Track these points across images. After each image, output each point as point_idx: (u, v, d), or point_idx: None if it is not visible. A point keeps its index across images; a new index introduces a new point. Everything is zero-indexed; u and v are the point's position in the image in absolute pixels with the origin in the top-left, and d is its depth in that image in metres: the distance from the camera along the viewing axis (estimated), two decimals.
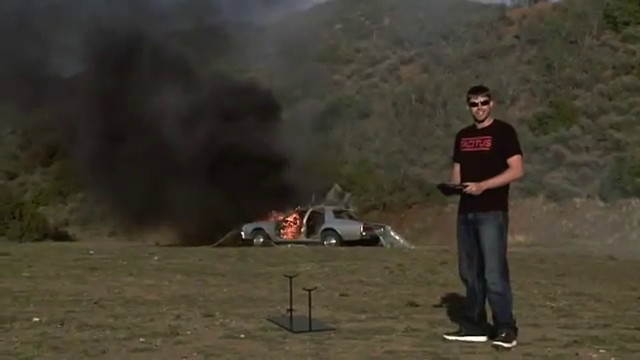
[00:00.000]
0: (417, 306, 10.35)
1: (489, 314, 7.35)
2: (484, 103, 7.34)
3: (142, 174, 33.83)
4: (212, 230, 33.38)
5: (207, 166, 34.65)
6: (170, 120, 35.03)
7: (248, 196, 33.18)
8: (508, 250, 7.31)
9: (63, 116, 39.85)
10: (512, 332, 7.10)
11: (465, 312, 7.61)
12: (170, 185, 33.70)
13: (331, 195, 36.48)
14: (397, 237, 31.59)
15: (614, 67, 44.23)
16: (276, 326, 8.20)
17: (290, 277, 8.68)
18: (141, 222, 37.78)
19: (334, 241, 29.68)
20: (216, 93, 36.46)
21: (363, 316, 9.20)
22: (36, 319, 8.73)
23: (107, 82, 36.09)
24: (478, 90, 7.51)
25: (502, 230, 7.20)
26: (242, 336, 7.61)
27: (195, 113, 35.07)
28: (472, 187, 7.12)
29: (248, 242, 31.19)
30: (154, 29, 38.26)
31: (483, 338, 7.27)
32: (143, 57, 36.38)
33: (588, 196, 37.78)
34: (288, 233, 31.88)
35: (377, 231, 30.99)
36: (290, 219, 32.22)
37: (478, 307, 7.38)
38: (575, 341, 7.26)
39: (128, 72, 35.73)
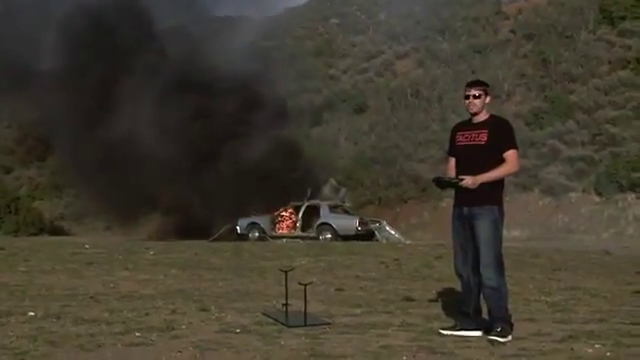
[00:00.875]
0: (412, 301, 10.37)
1: (484, 309, 7.36)
2: (476, 97, 7.35)
3: (125, 167, 33.88)
4: (201, 224, 33.40)
5: (192, 159, 34.60)
6: (149, 112, 34.89)
7: (235, 190, 33.20)
8: (503, 245, 7.32)
9: (44, 109, 39.74)
10: (507, 327, 7.11)
11: (460, 307, 7.62)
12: (155, 178, 33.67)
13: (327, 190, 36.45)
14: (393, 232, 31.60)
15: (610, 62, 44.19)
16: (271, 320, 8.22)
17: (285, 272, 8.69)
18: (129, 217, 37.75)
19: (330, 236, 29.72)
20: (202, 85, 36.18)
21: (358, 310, 9.22)
22: (32, 313, 8.75)
23: (86, 71, 35.84)
24: (473, 84, 7.54)
25: (497, 225, 7.21)
26: (238, 330, 7.63)
27: (179, 105, 34.89)
28: (468, 180, 7.12)
29: (243, 236, 31.19)
30: (138, 22, 38.02)
31: (478, 333, 7.28)
32: (125, 44, 36.32)
33: (584, 191, 37.77)
34: (283, 228, 31.88)
35: (373, 226, 31.01)
36: (285, 214, 32.21)
37: (473, 302, 7.39)
38: (570, 336, 7.28)
39: (110, 59, 35.63)
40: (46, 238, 36.17)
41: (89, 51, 36.12)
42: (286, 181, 33.58)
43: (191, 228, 33.17)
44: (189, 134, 34.51)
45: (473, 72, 44.68)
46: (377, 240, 29.61)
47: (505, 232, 7.56)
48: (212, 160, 34.60)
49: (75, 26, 36.56)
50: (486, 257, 7.12)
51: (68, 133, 37.58)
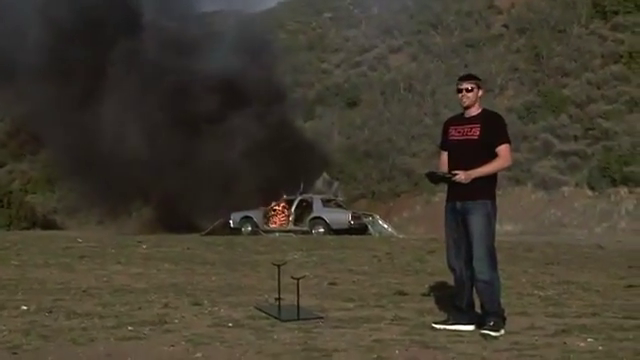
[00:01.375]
0: (405, 295, 10.35)
1: (477, 303, 7.36)
2: (468, 90, 7.35)
3: (114, 160, 33.88)
4: (189, 218, 33.44)
5: (180, 153, 34.56)
6: (136, 104, 34.82)
7: (225, 183, 33.24)
8: (496, 239, 7.32)
9: (33, 102, 39.64)
10: (500, 321, 7.11)
11: (453, 301, 7.63)
12: (144, 172, 33.65)
13: (319, 184, 36.44)
14: (385, 226, 31.61)
15: (603, 56, 44.25)
16: (264, 315, 8.21)
17: (278, 266, 8.68)
18: (121, 211, 37.74)
19: (322, 230, 29.71)
20: (192, 78, 36.02)
21: (351, 305, 9.20)
22: (24, 307, 8.73)
23: (72, 64, 35.69)
24: (465, 78, 7.54)
25: (490, 219, 7.21)
26: (230, 324, 7.62)
27: (166, 98, 34.78)
28: (461, 175, 7.12)
29: (236, 230, 31.17)
30: (126, 14, 37.87)
31: (471, 327, 7.28)
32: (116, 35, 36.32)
33: (576, 185, 37.84)
34: (276, 222, 31.86)
35: (365, 220, 31.01)
36: (278, 208, 32.19)
37: (466, 296, 7.39)
38: (563, 330, 7.28)
39: (96, 52, 35.51)
40: (38, 232, 36.13)
41: (75, 43, 35.92)
42: (278, 174, 33.56)
43: (180, 221, 33.18)
44: (177, 127, 34.44)
45: (466, 66, 44.71)
46: (370, 234, 29.61)
47: (498, 226, 7.56)
48: (201, 153, 34.54)
49: (61, 16, 36.37)
50: (479, 251, 7.12)
51: (56, 127, 37.45)
